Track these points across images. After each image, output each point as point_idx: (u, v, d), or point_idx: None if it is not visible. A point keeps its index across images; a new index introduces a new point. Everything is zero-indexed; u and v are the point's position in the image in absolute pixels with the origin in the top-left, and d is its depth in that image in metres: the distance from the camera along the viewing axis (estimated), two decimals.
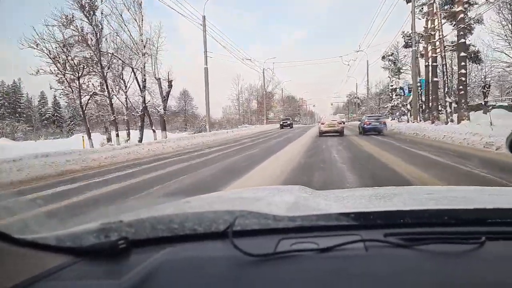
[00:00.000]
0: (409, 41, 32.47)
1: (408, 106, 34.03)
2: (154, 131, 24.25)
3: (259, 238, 0.89)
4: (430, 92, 28.17)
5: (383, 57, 48.20)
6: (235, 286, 0.72)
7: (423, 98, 31.23)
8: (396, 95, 43.36)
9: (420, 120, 27.00)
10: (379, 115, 27.64)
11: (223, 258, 0.80)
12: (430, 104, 28.31)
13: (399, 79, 44.51)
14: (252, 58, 51.33)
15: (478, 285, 0.69)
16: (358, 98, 72.07)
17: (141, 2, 21.38)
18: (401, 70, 48.56)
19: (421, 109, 30.55)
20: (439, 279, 0.70)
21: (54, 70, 18.50)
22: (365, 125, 21.46)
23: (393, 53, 47.70)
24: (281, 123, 43.50)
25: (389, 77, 46.87)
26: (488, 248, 0.79)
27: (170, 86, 23.98)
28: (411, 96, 31.82)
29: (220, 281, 0.74)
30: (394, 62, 48.16)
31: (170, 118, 73.44)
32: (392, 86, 43.02)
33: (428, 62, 27.92)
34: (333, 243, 0.80)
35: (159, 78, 23.46)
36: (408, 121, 30.90)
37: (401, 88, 40.09)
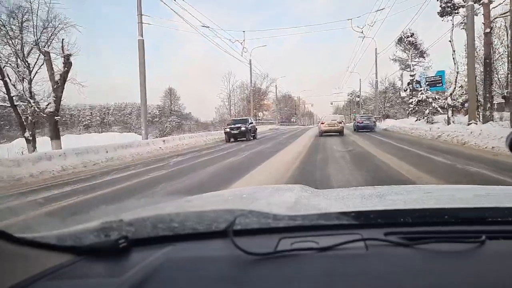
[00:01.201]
0: (447, 4, 24.03)
1: (449, 100, 23.44)
2: (28, 141, 15.02)
3: (259, 237, 0.89)
4: (499, 76, 20.54)
5: (400, 40, 40.03)
6: (235, 285, 0.72)
7: (453, 91, 22.79)
8: (407, 90, 35.08)
9: (477, 121, 16.40)
10: (370, 115, 32.12)
11: (224, 257, 0.80)
12: (507, 94, 19.57)
13: (410, 70, 36.30)
14: (212, 27, 36.13)
15: (479, 284, 0.69)
16: (359, 97, 67.17)
17: None
18: (424, 54, 40.80)
19: (479, 106, 19.54)
20: (440, 278, 0.70)
21: None
22: (358, 124, 26.36)
23: (413, 34, 39.55)
24: (227, 129, 21.52)
25: (410, 64, 38.02)
26: (488, 247, 0.79)
27: (67, 64, 14.85)
28: (451, 88, 24.05)
29: (220, 280, 0.74)
30: (415, 45, 39.77)
31: (156, 119, 70.11)
32: (413, 76, 34.04)
33: (492, 27, 18.63)
34: (333, 242, 0.80)
35: (48, 52, 14.75)
36: (448, 122, 21.79)
37: (417, 81, 33.22)
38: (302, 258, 0.78)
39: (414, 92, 33.35)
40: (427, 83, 31.91)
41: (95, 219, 0.92)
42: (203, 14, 62.97)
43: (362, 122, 25.87)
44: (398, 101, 51.05)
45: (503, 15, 18.66)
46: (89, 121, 77.85)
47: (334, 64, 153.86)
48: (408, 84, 35.53)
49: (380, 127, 28.45)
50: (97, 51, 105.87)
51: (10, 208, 5.49)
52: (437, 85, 32.21)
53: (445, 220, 0.92)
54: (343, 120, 27.27)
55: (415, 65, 41.72)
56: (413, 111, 32.21)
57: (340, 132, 21.09)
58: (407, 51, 41.31)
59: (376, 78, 45.58)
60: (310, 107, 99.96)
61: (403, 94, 41.53)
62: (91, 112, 79.48)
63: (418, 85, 33.05)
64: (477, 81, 20.59)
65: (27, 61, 15.24)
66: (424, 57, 41.87)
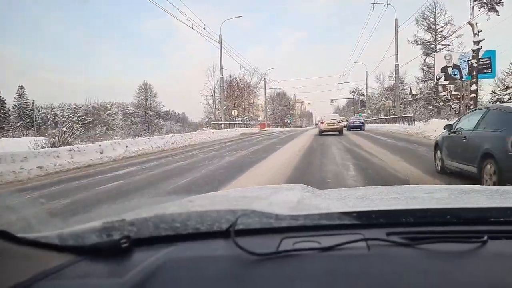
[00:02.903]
0: None
1: None
2: None
3: (261, 237, 0.89)
4: None
5: None
6: (237, 285, 0.73)
7: None
8: (441, 78, 24.58)
9: None
10: (360, 117, 37.73)
11: (226, 257, 0.80)
12: None
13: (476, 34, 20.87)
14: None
15: (481, 284, 0.69)
16: (363, 95, 60.62)
17: None
18: (498, 4, 23.50)
19: None
20: (441, 278, 0.70)
21: None
22: (350, 124, 32.00)
23: None
24: None
25: (474, 24, 19.34)
26: (490, 247, 0.79)
27: None
28: None
29: (222, 280, 0.74)
30: None
31: (129, 120, 61.94)
32: (478, 43, 19.01)
33: None
34: (335, 242, 0.80)
35: None
36: None
37: (455, 67, 24.35)
38: (304, 258, 0.78)
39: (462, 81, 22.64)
40: (470, 68, 22.38)
41: (97, 218, 0.92)
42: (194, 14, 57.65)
43: (354, 122, 32.43)
44: (409, 100, 42.30)
45: None
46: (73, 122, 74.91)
47: (334, 63, 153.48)
48: (443, 70, 25.88)
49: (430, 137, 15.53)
50: (86, 49, 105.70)
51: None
52: (484, 71, 23.42)
53: (447, 220, 0.92)
54: (343, 120, 27.15)
55: (444, 48, 31.53)
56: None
57: (339, 132, 21.33)
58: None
59: (397, 61, 31.99)
60: (307, 105, 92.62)
61: (412, 92, 34.32)
62: (75, 112, 75.08)
63: (456, 72, 24.64)
64: None
65: None
66: (497, 11, 24.82)
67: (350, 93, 70.98)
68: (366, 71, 53.72)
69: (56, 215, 5.23)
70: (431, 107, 37.51)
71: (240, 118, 48.23)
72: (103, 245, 0.82)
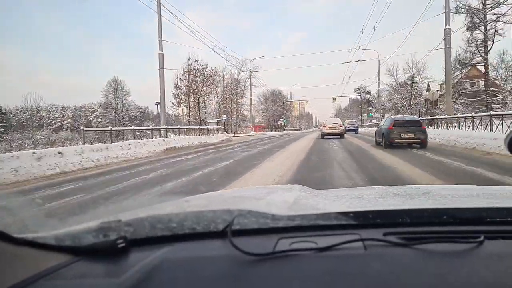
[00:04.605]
0: None
1: None
2: None
3: (258, 237, 0.89)
4: None
5: None
6: (234, 285, 0.72)
7: None
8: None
9: None
10: (355, 121, 43.35)
11: (222, 257, 0.80)
12: None
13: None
14: None
15: (477, 284, 0.69)
16: (369, 93, 54.65)
17: None
18: None
19: None
20: (438, 278, 0.70)
21: None
22: (346, 128, 34.73)
23: None
24: None
25: None
26: (487, 247, 0.79)
27: None
28: None
29: (219, 280, 0.74)
30: None
31: (98, 120, 53.37)
32: None
33: None
34: (332, 242, 0.80)
35: None
36: None
37: None
38: (301, 258, 0.78)
39: None
40: None
41: (94, 219, 0.92)
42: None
43: (349, 127, 38.53)
44: (425, 99, 31.65)
45: None
46: (60, 123, 71.80)
47: (333, 64, 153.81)
48: None
49: None
50: (74, 48, 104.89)
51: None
52: None
53: (444, 220, 0.92)
54: (344, 124, 27.05)
55: (497, 20, 21.26)
56: None
57: (341, 135, 21.40)
58: None
59: (448, 24, 19.65)
60: (306, 105, 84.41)
61: (429, 88, 24.70)
62: (62, 114, 74.09)
63: None
64: None
65: None
66: None
67: (355, 91, 61.73)
68: (378, 60, 44.65)
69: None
70: (476, 103, 26.50)
71: (216, 120, 37.77)
72: (100, 246, 0.82)
